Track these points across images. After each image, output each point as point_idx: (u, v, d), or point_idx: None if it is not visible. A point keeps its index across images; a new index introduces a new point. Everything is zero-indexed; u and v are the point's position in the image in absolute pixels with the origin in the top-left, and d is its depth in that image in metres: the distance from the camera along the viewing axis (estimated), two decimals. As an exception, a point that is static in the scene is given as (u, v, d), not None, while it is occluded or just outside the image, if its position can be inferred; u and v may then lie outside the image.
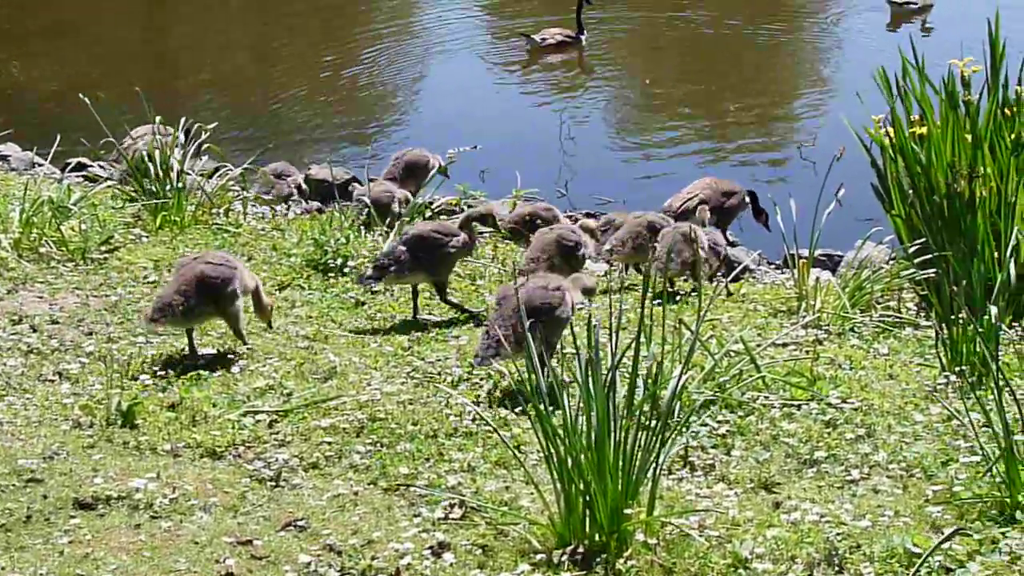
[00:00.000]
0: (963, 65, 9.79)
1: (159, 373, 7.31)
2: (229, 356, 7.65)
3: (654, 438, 5.43)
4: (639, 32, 20.52)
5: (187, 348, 7.66)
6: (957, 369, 7.20)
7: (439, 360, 7.57)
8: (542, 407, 5.42)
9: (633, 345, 5.61)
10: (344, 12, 22.48)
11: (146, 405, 6.77)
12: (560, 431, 5.36)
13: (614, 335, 5.78)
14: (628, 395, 5.60)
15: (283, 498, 5.91)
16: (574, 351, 6.01)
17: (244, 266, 8.00)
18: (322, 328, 8.30)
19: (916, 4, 19.56)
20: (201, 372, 7.33)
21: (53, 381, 7.21)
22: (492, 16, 22.41)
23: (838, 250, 11.15)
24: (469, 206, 12.16)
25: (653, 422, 5.46)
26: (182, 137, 11.46)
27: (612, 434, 5.38)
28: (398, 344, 7.94)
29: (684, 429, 6.10)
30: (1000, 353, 7.11)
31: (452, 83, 18.28)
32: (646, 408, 5.58)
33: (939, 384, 7.19)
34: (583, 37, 19.02)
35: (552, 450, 5.36)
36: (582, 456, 5.33)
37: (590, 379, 5.44)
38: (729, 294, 9.23)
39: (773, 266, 10.76)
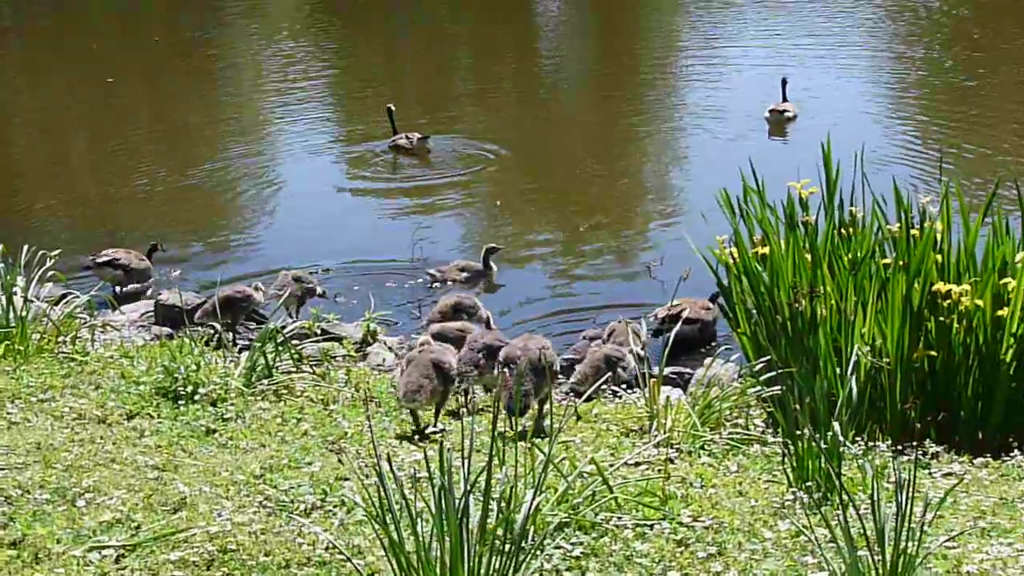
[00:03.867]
0: (800, 187, 10.14)
1: (1, 510, 7.09)
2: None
3: (508, 562, 5.43)
4: (489, 137, 20.75)
5: (414, 425, 9.05)
6: (804, 485, 7.34)
7: (291, 488, 7.48)
8: (395, 535, 5.39)
9: (486, 469, 5.63)
10: (189, 129, 22.47)
11: (-14, 543, 6.56)
12: (413, 558, 5.34)
13: (466, 459, 5.79)
14: (481, 519, 5.59)
15: (130, 636, 5.76)
16: (427, 476, 5.99)
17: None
18: (172, 458, 8.16)
19: (791, 113, 20.51)
20: (44, 507, 7.13)
21: None
22: (343, 127, 22.61)
23: (688, 368, 11.36)
24: (323, 330, 12.14)
25: (507, 546, 5.46)
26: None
27: (465, 561, 5.37)
28: (250, 472, 7.83)
29: (538, 552, 6.10)
30: (844, 468, 7.29)
31: (301, 197, 18.36)
32: (500, 532, 5.58)
33: (787, 500, 7.31)
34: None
35: (406, 579, 5.33)
36: (436, 584, 5.31)
37: (443, 504, 5.43)
38: (578, 418, 9.28)
39: (624, 385, 10.88)
